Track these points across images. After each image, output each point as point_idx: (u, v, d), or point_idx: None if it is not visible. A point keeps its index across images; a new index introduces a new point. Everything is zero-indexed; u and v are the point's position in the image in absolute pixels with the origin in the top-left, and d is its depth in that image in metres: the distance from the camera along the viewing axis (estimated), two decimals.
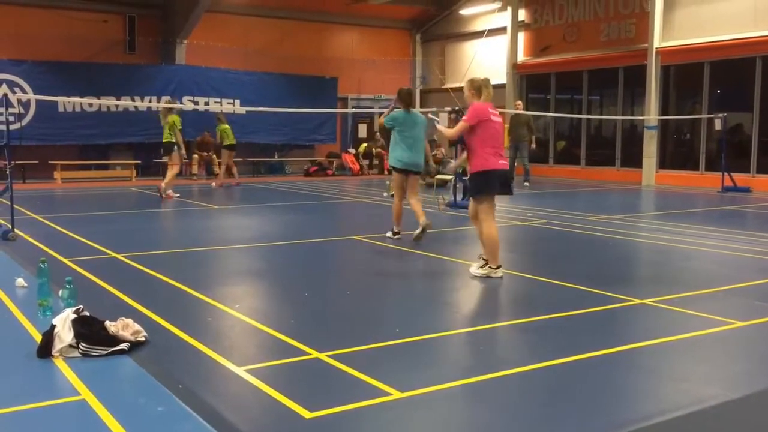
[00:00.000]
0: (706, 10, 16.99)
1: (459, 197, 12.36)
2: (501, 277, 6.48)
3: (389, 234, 8.79)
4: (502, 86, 21.37)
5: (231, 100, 20.36)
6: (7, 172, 8.60)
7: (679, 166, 18.30)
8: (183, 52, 20.04)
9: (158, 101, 18.65)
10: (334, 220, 11.98)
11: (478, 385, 3.86)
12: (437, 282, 6.75)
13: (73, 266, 6.91)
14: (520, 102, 19.39)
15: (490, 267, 6.55)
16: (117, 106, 18.56)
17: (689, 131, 18.59)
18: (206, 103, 19.80)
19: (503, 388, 3.90)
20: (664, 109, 18.29)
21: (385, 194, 14.55)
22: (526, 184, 17.49)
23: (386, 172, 22.08)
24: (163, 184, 13.72)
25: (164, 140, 13.75)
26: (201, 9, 18.84)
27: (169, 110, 13.77)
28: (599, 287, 6.10)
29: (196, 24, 19.46)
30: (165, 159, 14.33)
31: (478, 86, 6.63)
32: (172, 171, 13.79)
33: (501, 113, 7.03)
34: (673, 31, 17.64)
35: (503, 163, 6.60)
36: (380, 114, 8.48)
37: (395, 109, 8.78)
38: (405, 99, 8.72)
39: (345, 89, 22.82)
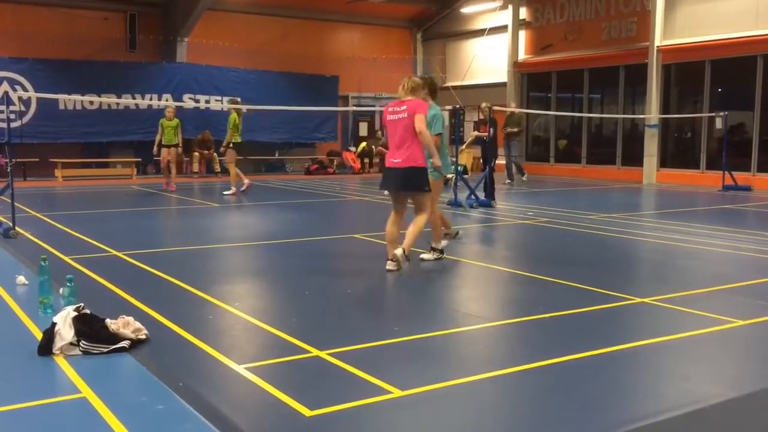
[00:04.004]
0: (707, 9, 16.98)
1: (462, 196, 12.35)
2: (389, 270, 6.66)
3: (445, 242, 7.69)
4: (503, 85, 21.41)
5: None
6: (8, 170, 8.60)
7: (680, 164, 18.30)
8: (184, 50, 20.03)
9: (159, 99, 18.69)
10: (335, 219, 11.98)
11: (478, 384, 3.86)
12: (437, 280, 6.75)
13: (74, 264, 6.92)
14: (513, 103, 19.55)
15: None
16: (118, 104, 18.55)
17: (690, 130, 18.59)
18: (207, 101, 19.80)
19: (503, 386, 3.90)
20: (665, 108, 18.29)
21: (385, 192, 14.50)
22: (524, 179, 17.69)
23: None
24: None
25: None
26: (202, 7, 18.84)
27: None
28: (600, 286, 6.10)
29: (197, 22, 19.46)
30: None
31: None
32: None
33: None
34: (674, 30, 17.63)
35: (393, 162, 6.67)
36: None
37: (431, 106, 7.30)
38: (437, 89, 7.63)
39: (346, 87, 22.81)
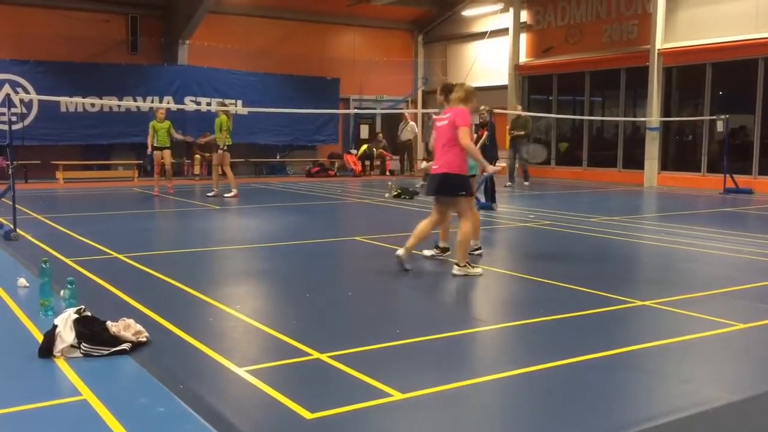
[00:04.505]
0: (708, 12, 16.98)
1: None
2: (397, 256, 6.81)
3: (431, 252, 7.70)
4: (504, 87, 21.41)
5: (233, 101, 20.36)
6: (10, 172, 8.61)
7: (681, 167, 18.29)
8: (185, 53, 20.05)
9: (160, 102, 18.70)
10: (336, 221, 11.98)
11: (479, 387, 3.85)
12: (438, 283, 6.74)
13: (75, 266, 6.92)
14: (519, 106, 19.53)
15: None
16: (119, 106, 18.57)
17: (691, 133, 18.58)
18: (208, 104, 19.81)
19: (505, 389, 3.90)
20: (666, 111, 18.28)
21: (386, 195, 14.55)
22: (526, 183, 17.64)
23: (387, 173, 22.13)
24: None
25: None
26: (203, 9, 18.85)
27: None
28: (601, 289, 6.09)
29: (199, 24, 19.47)
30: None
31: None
32: None
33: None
34: (675, 33, 17.63)
35: (433, 167, 6.82)
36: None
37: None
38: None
39: (347, 90, 22.82)
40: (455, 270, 6.70)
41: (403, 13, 23.81)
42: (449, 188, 6.76)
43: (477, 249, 7.80)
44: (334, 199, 14.71)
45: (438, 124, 6.84)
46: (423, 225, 6.91)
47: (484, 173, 7.11)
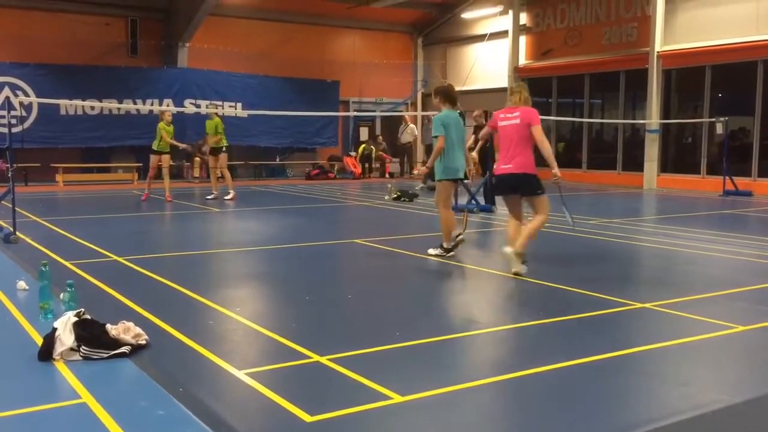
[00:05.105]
0: (708, 14, 17.00)
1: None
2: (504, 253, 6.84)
3: (436, 251, 7.79)
4: (503, 90, 21.41)
5: (233, 103, 20.40)
6: (9, 175, 8.61)
7: (680, 169, 18.30)
8: (185, 55, 20.06)
9: (160, 104, 18.71)
10: (336, 224, 11.98)
11: (479, 389, 3.85)
12: (438, 285, 6.75)
13: (75, 269, 6.92)
14: None
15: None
16: (119, 109, 18.57)
17: (691, 135, 18.60)
18: (208, 107, 19.81)
19: (504, 391, 3.90)
20: (665, 113, 18.30)
21: (386, 197, 14.55)
22: None
23: (387, 176, 22.14)
24: None
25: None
26: (203, 12, 18.87)
27: None
28: (600, 291, 6.09)
29: (199, 27, 19.49)
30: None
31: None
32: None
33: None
34: (675, 35, 17.65)
35: (504, 168, 6.82)
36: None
37: (442, 110, 7.68)
38: (452, 95, 7.75)
39: (347, 92, 22.84)
40: (507, 249, 6.69)
41: (402, 16, 23.84)
42: (529, 188, 6.82)
43: (458, 235, 7.87)
44: (333, 202, 14.72)
45: (503, 123, 6.82)
46: (512, 229, 6.92)
47: (554, 176, 6.87)
